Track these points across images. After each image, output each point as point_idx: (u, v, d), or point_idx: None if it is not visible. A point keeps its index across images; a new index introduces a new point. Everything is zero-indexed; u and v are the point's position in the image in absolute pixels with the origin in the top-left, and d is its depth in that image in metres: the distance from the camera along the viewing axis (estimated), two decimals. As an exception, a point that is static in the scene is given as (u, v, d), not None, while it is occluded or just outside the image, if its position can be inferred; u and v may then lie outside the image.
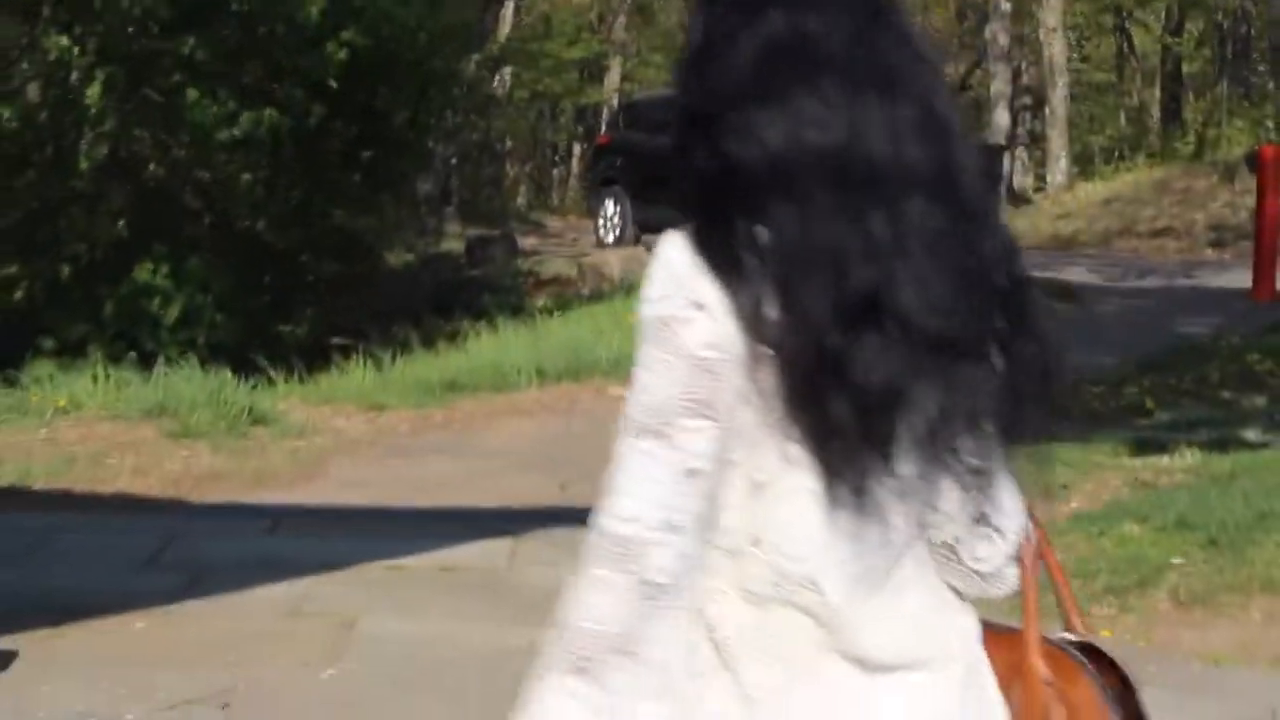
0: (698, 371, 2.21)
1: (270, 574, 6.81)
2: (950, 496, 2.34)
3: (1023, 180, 39.47)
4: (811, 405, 2.20)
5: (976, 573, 2.45)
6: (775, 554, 2.23)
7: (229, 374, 12.94)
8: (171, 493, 9.61)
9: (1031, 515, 2.50)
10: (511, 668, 5.56)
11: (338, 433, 11.55)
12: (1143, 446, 9.17)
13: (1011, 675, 2.45)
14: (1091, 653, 2.49)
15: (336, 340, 17.21)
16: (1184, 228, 30.18)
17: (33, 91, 18.37)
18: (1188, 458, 8.70)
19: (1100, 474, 8.53)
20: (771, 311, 2.22)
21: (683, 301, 2.23)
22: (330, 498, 9.28)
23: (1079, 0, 44.36)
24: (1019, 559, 2.47)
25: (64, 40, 17.65)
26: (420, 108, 19.05)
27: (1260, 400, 11.06)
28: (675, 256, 2.30)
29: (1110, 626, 6.43)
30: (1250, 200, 22.33)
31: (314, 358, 15.83)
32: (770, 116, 2.30)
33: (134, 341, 16.11)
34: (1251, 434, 9.59)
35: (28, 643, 5.73)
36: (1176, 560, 6.94)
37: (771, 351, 2.21)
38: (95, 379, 12.66)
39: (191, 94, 17.88)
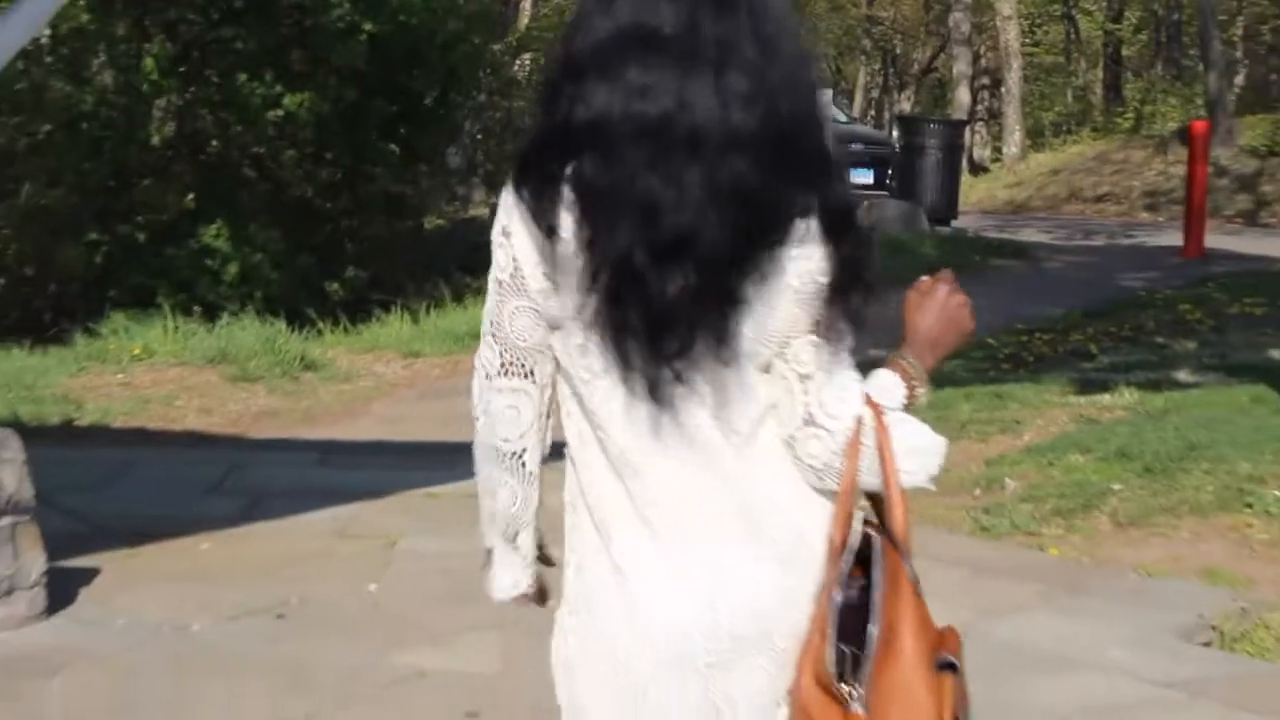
0: (495, 289, 2.54)
1: (320, 500, 6.76)
2: (777, 398, 2.52)
3: (981, 152, 39.56)
4: (611, 314, 2.42)
5: (810, 467, 2.55)
6: (604, 435, 2.51)
7: (283, 325, 12.93)
8: (232, 429, 9.61)
9: (875, 409, 2.59)
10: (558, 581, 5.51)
11: (378, 377, 11.55)
12: (1087, 386, 9.14)
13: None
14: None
15: (377, 295, 17.22)
16: (1123, 193, 30.28)
17: (107, 77, 18.38)
18: (1126, 396, 8.66)
19: (1050, 411, 8.45)
20: (582, 239, 2.44)
21: (498, 230, 2.52)
22: (372, 434, 9.31)
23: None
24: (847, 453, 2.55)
25: (132, 30, 17.68)
26: (449, 88, 19.16)
27: (1190, 345, 11.02)
28: (504, 194, 2.56)
29: (1058, 544, 6.32)
30: (1181, 169, 22.40)
31: (357, 311, 15.87)
32: (603, 88, 2.48)
33: (199, 296, 16.13)
34: (1182, 375, 9.53)
35: (108, 561, 5.68)
36: (1116, 486, 6.83)
37: (575, 273, 2.45)
38: (165, 330, 12.63)
39: (241, 78, 17.96)
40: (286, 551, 6.03)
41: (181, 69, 18.26)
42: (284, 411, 10.21)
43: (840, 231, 2.56)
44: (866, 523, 2.66)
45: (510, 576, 2.73)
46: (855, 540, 2.57)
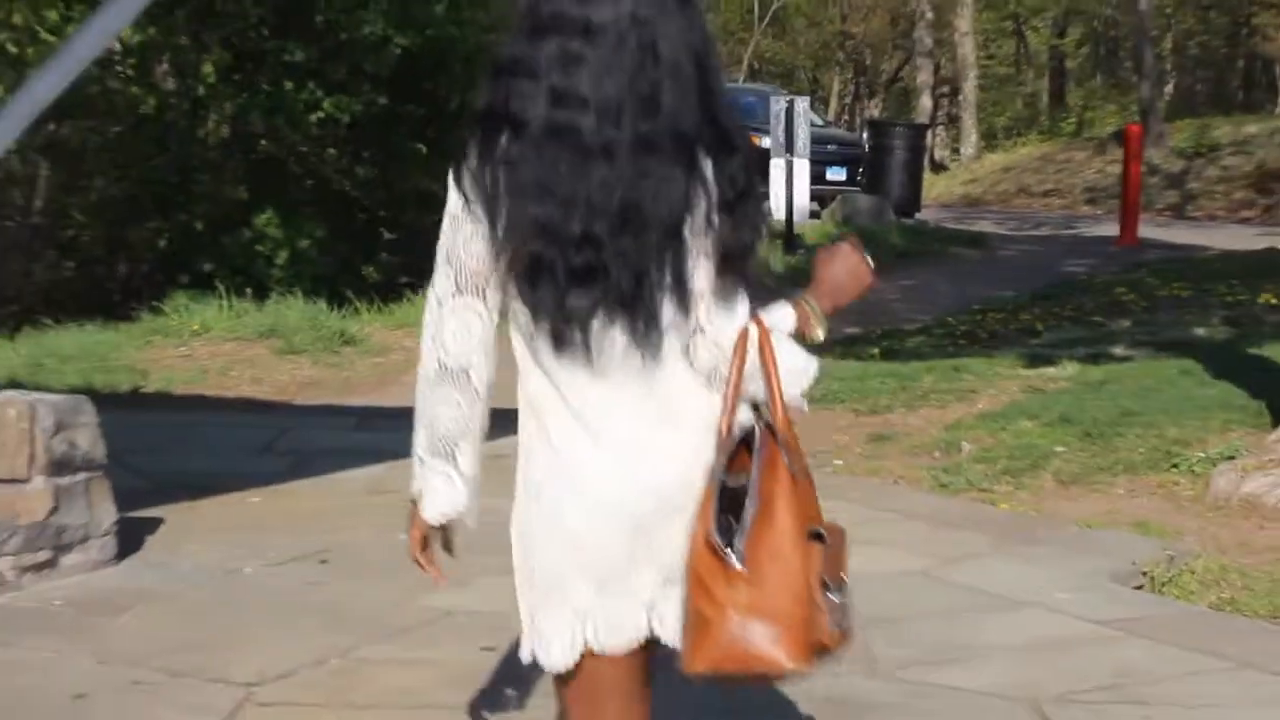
0: (450, 223, 2.75)
1: (356, 460, 6.78)
2: (676, 317, 2.72)
3: (941, 153, 39.52)
4: (525, 282, 2.66)
5: (701, 372, 2.78)
6: (540, 354, 2.70)
7: (324, 305, 12.98)
8: (280, 397, 9.61)
9: (762, 329, 2.82)
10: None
11: (408, 351, 11.50)
12: (1034, 360, 9.15)
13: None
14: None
15: (406, 279, 17.21)
16: (1066, 189, 30.27)
17: (169, 83, 18.40)
18: (1068, 369, 8.66)
19: (1001, 382, 8.45)
20: (503, 214, 2.67)
21: (452, 177, 2.72)
22: (403, 401, 9.22)
23: (985, 10, 44.42)
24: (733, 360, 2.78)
25: (192, 42, 17.66)
26: (471, 94, 19.19)
27: (1125, 323, 11.03)
28: (467, 148, 2.76)
29: (1008, 500, 6.37)
30: (1117, 168, 22.47)
31: (389, 292, 15.85)
32: (517, 86, 2.66)
33: (251, 278, 16.14)
34: (1118, 350, 9.54)
35: (171, 512, 5.72)
36: (1059, 449, 6.87)
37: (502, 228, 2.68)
38: (220, 308, 12.66)
39: (288, 85, 17.99)
40: (327, 505, 6.07)
41: (235, 77, 18.31)
42: (325, 381, 10.22)
43: (733, 195, 2.76)
44: (757, 415, 2.87)
45: (448, 499, 2.83)
46: (741, 433, 2.80)
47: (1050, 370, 8.71)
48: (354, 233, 18.41)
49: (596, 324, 2.70)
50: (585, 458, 2.75)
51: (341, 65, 18.44)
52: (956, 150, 40.05)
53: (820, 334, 3.02)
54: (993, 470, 6.71)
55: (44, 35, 16.68)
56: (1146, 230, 20.12)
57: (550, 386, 2.77)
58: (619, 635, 2.80)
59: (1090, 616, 4.83)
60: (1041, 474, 6.62)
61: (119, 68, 17.63)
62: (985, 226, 22.60)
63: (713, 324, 2.78)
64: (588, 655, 2.83)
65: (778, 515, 2.87)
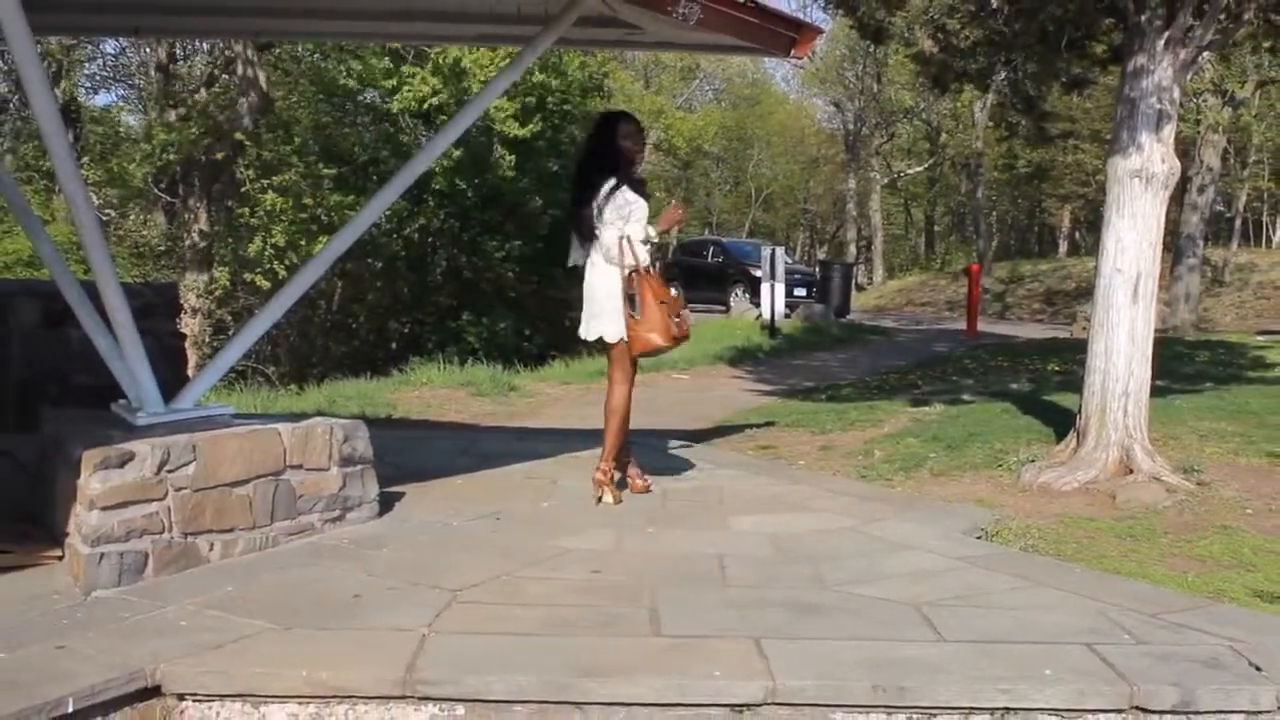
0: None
1: (517, 458, 6.74)
2: (609, 237, 5.21)
3: (862, 279, 39.56)
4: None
5: (607, 256, 5.16)
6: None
7: (500, 367, 13.06)
8: (472, 421, 9.65)
9: (628, 237, 5.15)
10: (631, 503, 5.46)
11: (548, 395, 11.54)
12: (916, 402, 9.06)
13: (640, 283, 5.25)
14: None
15: (550, 351, 17.34)
16: (935, 301, 30.16)
17: (415, 237, 18.70)
18: (937, 408, 8.58)
19: (897, 415, 8.38)
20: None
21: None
22: (545, 424, 9.31)
23: (888, 196, 44.49)
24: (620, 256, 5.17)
25: (430, 212, 17.97)
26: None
27: (970, 381, 10.89)
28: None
29: (901, 485, 6.24)
30: (965, 289, 22.53)
31: (539, 360, 15.96)
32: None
33: (456, 352, 16.28)
34: (967, 396, 9.42)
35: (409, 489, 5.67)
36: (932, 455, 6.77)
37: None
38: (439, 369, 12.80)
39: (481, 236, 18.21)
40: (500, 485, 6.02)
41: (450, 231, 18.50)
42: (499, 413, 10.24)
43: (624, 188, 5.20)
44: (633, 271, 5.11)
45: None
46: (629, 273, 5.18)
47: (926, 408, 8.62)
48: (518, 323, 18.60)
49: (590, 245, 5.30)
50: (586, 279, 5.34)
51: (516, 225, 18.69)
52: (871, 278, 39.94)
53: (654, 240, 5.20)
54: (893, 467, 6.62)
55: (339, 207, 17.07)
56: (982, 326, 20.01)
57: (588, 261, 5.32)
58: (595, 334, 5.35)
59: (950, 555, 4.75)
60: (921, 470, 6.52)
61: (386, 225, 17.97)
62: (888, 323, 22.47)
63: (609, 235, 5.16)
64: (599, 341, 5.34)
65: (647, 297, 5.11)
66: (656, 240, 5.19)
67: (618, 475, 5.67)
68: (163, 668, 3.29)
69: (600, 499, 5.49)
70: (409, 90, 18.08)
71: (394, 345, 18.38)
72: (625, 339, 5.23)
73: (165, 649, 3.41)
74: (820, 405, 9.54)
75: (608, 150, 5.22)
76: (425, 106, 18.17)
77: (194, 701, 3.27)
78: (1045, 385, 9.85)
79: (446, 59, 18.05)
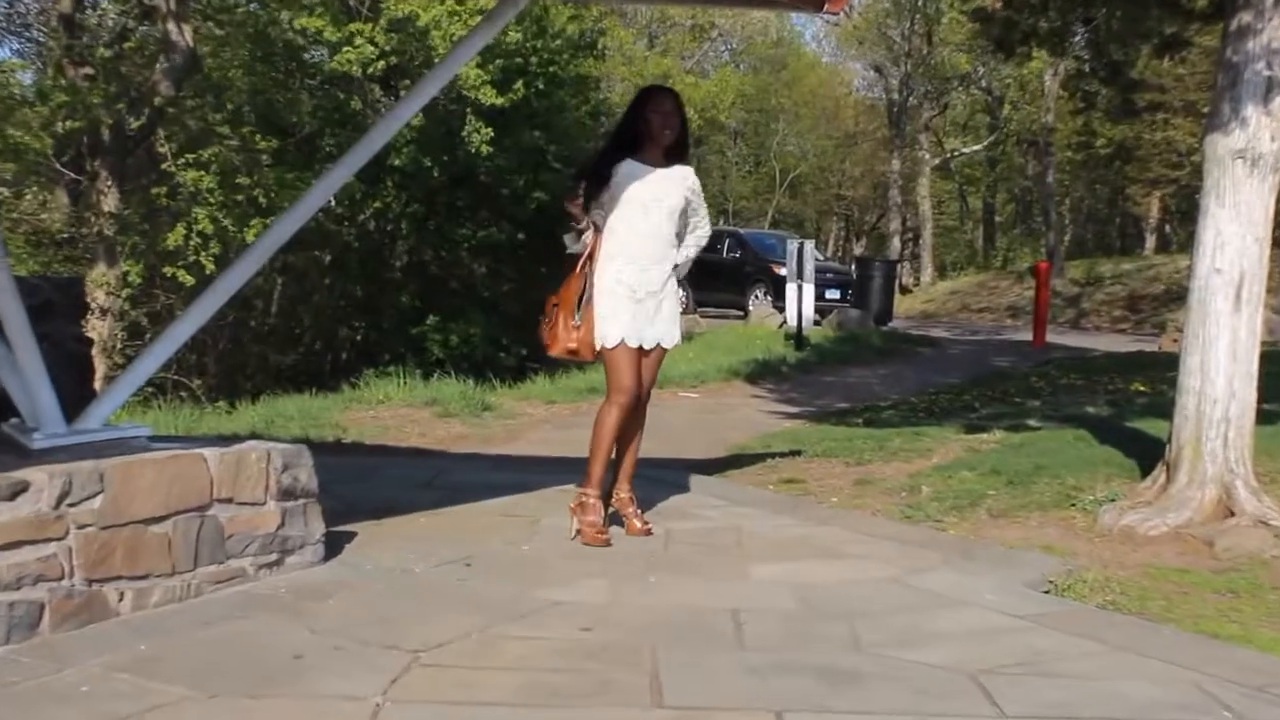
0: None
1: (492, 492, 6.75)
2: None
3: (907, 280, 39.63)
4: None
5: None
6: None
7: (471, 382, 13.10)
8: (439, 447, 9.68)
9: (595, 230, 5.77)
10: (629, 547, 5.47)
11: (530, 416, 11.59)
12: (972, 428, 9.09)
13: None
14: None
15: (530, 364, 17.37)
16: (995, 307, 30.30)
17: (370, 225, 18.75)
18: (997, 435, 8.60)
19: (949, 444, 8.40)
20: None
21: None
22: (526, 451, 9.34)
23: (940, 180, 44.58)
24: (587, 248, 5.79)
25: (390, 194, 18.04)
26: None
27: (1036, 403, 10.96)
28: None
29: (954, 528, 6.27)
30: (1031, 293, 22.63)
31: (518, 374, 16.01)
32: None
33: (419, 363, 16.32)
34: (1032, 421, 9.44)
35: (361, 528, 5.70)
36: (990, 492, 6.79)
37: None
38: (398, 384, 12.83)
39: (451, 223, 18.32)
40: (471, 524, 6.03)
41: (413, 218, 18.58)
42: (471, 436, 10.28)
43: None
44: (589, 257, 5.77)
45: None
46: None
47: (984, 435, 8.65)
48: (494, 330, 18.58)
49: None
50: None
51: (492, 210, 18.73)
52: (918, 278, 40.04)
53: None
54: (943, 506, 6.64)
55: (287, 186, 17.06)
56: (1052, 336, 20.10)
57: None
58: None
59: (1011, 612, 4.76)
60: (977, 509, 6.54)
61: (337, 211, 18.01)
62: (938, 333, 22.59)
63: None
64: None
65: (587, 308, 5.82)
66: (576, 237, 5.73)
67: (604, 508, 5.73)
68: (61, 742, 3.28)
69: (574, 534, 5.68)
70: (351, 51, 17.97)
71: (344, 355, 18.39)
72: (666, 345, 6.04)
73: None
74: (856, 431, 9.56)
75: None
76: (372, 70, 18.16)
77: (99, 783, 3.26)
78: (1127, 409, 9.88)
79: (399, 12, 17.97)
